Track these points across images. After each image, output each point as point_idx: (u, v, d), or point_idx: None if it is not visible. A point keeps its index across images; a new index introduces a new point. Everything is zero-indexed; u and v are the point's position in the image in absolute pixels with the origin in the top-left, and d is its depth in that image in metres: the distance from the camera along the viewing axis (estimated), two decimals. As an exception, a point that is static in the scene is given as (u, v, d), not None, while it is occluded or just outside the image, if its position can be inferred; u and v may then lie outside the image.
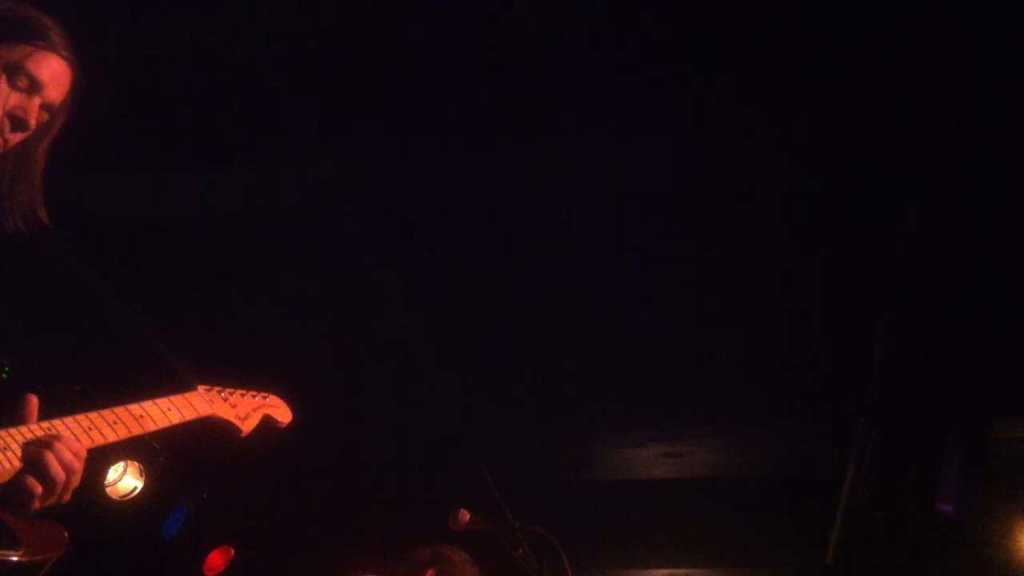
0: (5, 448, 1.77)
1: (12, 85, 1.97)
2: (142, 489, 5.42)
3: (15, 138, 2.00)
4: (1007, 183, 4.07)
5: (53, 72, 2.03)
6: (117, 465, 5.37)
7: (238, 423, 2.50)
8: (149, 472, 5.46)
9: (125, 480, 5.39)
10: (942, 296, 4.71)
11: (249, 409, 2.57)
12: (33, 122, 2.00)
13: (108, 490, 5.30)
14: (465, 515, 3.58)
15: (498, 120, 4.00)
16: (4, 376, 3.94)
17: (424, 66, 3.78)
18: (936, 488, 5.32)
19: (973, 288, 4.67)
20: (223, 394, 2.52)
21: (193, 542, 5.93)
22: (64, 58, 2.05)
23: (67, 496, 1.75)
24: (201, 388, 2.46)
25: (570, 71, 3.76)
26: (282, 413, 2.69)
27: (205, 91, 3.80)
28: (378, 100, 3.95)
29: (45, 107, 2.03)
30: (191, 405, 2.34)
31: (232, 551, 6.11)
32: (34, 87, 2.00)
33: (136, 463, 5.45)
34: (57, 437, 1.81)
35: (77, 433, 1.88)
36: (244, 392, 2.61)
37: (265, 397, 2.67)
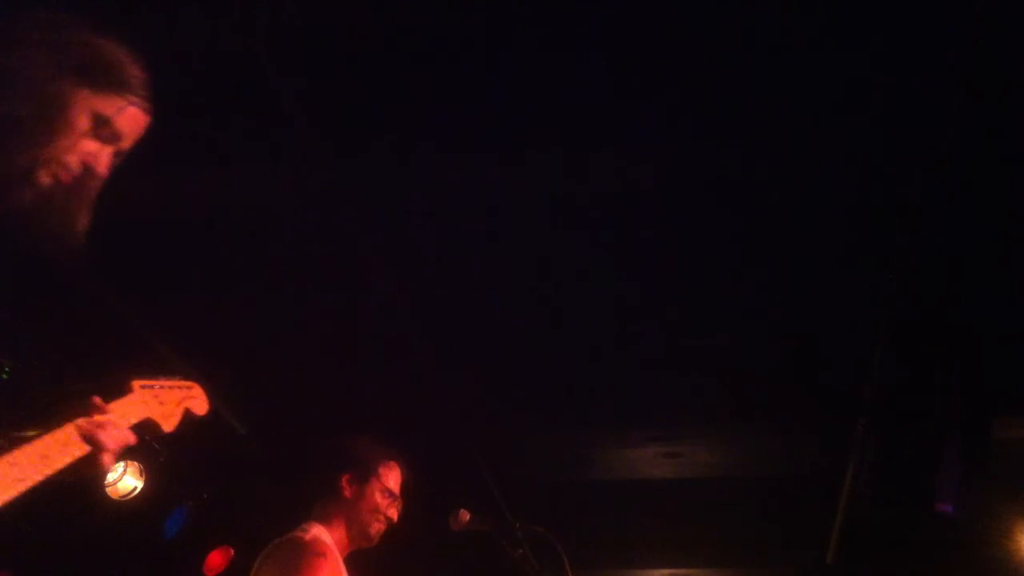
0: None
1: (95, 134, 1.97)
2: (142, 489, 5.42)
3: (81, 179, 2.00)
4: (1007, 182, 4.07)
5: (137, 125, 2.04)
6: (117, 465, 5.37)
7: (162, 423, 2.41)
8: (149, 472, 5.46)
9: (125, 480, 5.39)
10: (942, 296, 4.71)
11: (172, 404, 2.46)
12: (104, 170, 2.01)
13: (108, 490, 5.30)
14: (465, 515, 3.58)
15: (498, 122, 4.00)
16: (3, 376, 3.94)
17: (424, 70, 3.78)
18: (936, 488, 5.32)
19: (972, 288, 4.67)
20: (155, 388, 2.41)
21: (193, 542, 5.93)
22: (147, 110, 2.05)
23: None
24: (136, 384, 2.35)
25: (571, 76, 3.77)
26: (200, 404, 2.58)
27: (203, 91, 3.80)
28: (381, 101, 3.95)
29: (118, 153, 2.03)
30: (127, 412, 2.24)
31: (232, 551, 6.11)
32: (115, 139, 2.00)
33: (136, 463, 5.45)
34: None
35: None
36: (172, 383, 2.49)
37: (189, 387, 2.56)
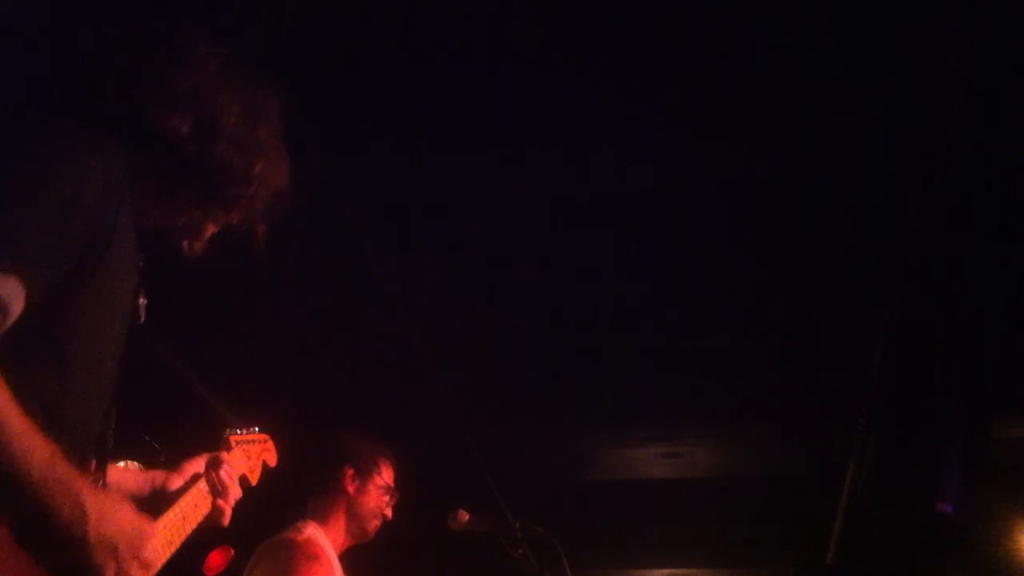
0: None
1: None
2: (142, 489, 5.41)
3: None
4: (1007, 182, 4.07)
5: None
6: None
7: (250, 476, 2.43)
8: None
9: (125, 480, 5.38)
10: (942, 296, 4.71)
11: (256, 458, 2.50)
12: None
13: (108, 490, 5.28)
14: (465, 515, 3.58)
15: (498, 122, 4.00)
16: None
17: (424, 70, 3.78)
18: (936, 488, 5.31)
19: (973, 288, 4.67)
20: (245, 444, 2.43)
21: (193, 542, 5.91)
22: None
23: None
24: (233, 440, 2.37)
25: (568, 80, 3.77)
26: (272, 456, 2.61)
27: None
28: (379, 102, 3.95)
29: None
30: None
31: (232, 551, 6.09)
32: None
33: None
34: None
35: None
36: (254, 437, 2.52)
37: (265, 440, 2.59)
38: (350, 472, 3.54)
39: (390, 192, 4.46)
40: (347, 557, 3.55)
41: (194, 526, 2.08)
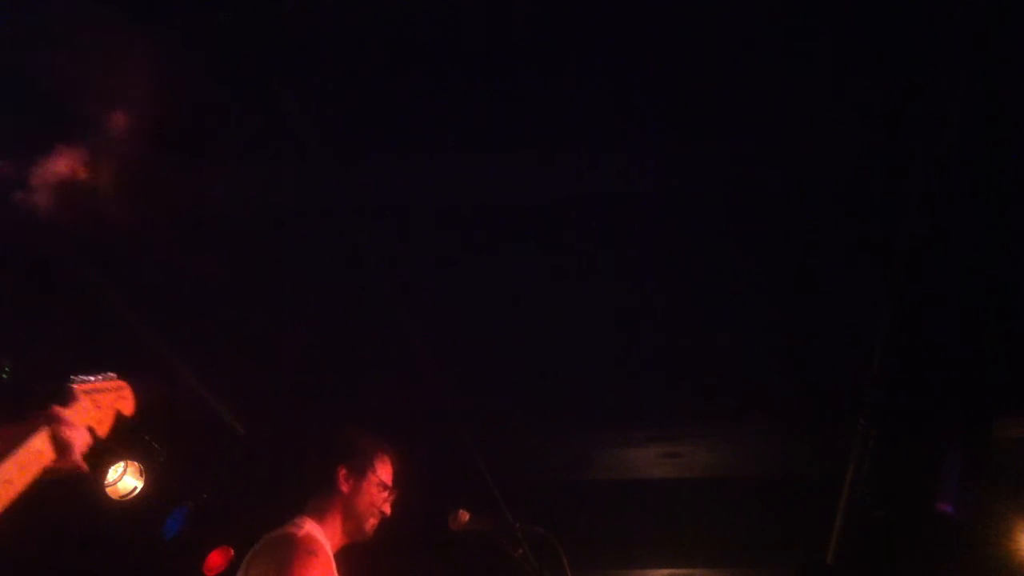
0: None
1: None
2: (142, 489, 5.42)
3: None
4: (1007, 183, 4.07)
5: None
6: (117, 465, 5.37)
7: (97, 427, 2.29)
8: (149, 472, 5.46)
9: (125, 480, 5.39)
10: (942, 296, 4.71)
11: (107, 408, 2.35)
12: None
13: (108, 490, 5.29)
14: (465, 515, 3.57)
15: (499, 124, 4.00)
16: (4, 376, 3.93)
17: (425, 72, 3.78)
18: (936, 488, 5.32)
19: (973, 288, 4.67)
20: (93, 393, 2.30)
21: (193, 542, 5.93)
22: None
23: None
24: (79, 390, 2.26)
25: (569, 79, 3.77)
26: (127, 405, 2.44)
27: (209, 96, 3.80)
28: (377, 102, 3.95)
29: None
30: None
31: (232, 551, 6.10)
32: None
33: (136, 463, 5.45)
34: None
35: None
36: (106, 385, 2.38)
37: (120, 387, 2.43)
38: (343, 472, 3.52)
39: (391, 192, 4.46)
40: (346, 557, 3.54)
41: (29, 480, 2.00)
